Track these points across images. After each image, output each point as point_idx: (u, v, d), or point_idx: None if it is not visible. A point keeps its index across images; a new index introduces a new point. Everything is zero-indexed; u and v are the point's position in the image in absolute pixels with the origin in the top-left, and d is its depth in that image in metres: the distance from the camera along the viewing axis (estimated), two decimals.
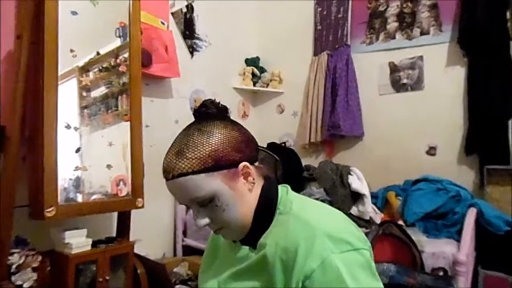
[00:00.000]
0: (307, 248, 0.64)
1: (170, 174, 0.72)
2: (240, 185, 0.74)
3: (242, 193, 0.75)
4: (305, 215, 0.73)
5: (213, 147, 0.71)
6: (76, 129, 1.92)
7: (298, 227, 0.70)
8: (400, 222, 2.30)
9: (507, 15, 2.53)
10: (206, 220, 0.74)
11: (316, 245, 0.64)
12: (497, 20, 2.54)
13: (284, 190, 0.81)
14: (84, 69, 2.07)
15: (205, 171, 0.70)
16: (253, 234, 0.76)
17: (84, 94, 2.08)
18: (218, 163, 0.71)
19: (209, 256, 0.93)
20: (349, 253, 0.64)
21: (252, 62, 3.68)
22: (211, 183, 0.71)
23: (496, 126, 2.54)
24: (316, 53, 3.44)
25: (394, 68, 3.07)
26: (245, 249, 0.78)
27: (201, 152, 0.70)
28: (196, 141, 0.71)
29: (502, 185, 2.52)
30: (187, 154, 0.71)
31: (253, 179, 0.76)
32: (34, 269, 1.74)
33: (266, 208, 0.77)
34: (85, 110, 2.06)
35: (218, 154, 0.71)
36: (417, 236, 2.06)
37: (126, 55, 2.16)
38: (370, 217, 2.35)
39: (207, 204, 0.72)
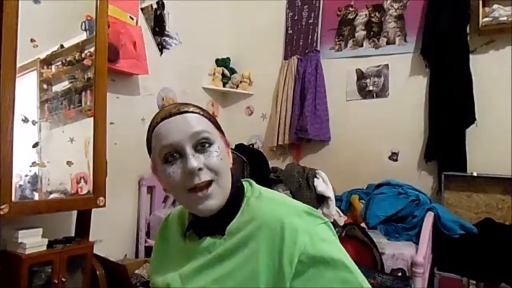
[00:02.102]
0: (293, 225, 0.66)
1: (179, 109, 0.73)
2: (228, 155, 0.78)
3: (229, 163, 0.77)
4: (278, 197, 0.76)
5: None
6: (34, 123, 1.83)
7: (276, 207, 0.71)
8: (363, 225, 2.36)
9: (467, 29, 2.66)
10: (200, 164, 0.69)
11: (299, 221, 0.67)
12: (458, 33, 2.66)
13: (247, 183, 0.82)
14: (46, 62, 1.99)
15: (211, 121, 0.76)
16: (221, 218, 0.73)
17: (45, 87, 1.99)
18: (218, 125, 0.79)
19: (159, 256, 0.88)
20: (324, 225, 0.70)
21: (223, 62, 3.66)
22: (214, 131, 0.75)
23: (454, 134, 2.66)
24: (286, 56, 3.48)
25: (361, 75, 3.16)
26: (208, 239, 0.74)
27: (207, 111, 0.78)
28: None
29: (459, 191, 2.65)
30: (197, 106, 0.77)
31: (231, 162, 0.79)
32: None
33: (237, 192, 0.76)
34: (46, 104, 1.97)
35: (217, 121, 0.79)
36: (378, 238, 2.13)
37: (92, 49, 2.08)
38: (334, 220, 2.39)
39: (205, 148, 0.71)
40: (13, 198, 1.63)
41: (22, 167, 1.74)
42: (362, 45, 3.18)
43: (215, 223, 0.74)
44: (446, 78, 2.71)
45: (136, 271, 2.44)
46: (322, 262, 0.63)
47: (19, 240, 1.71)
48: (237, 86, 3.66)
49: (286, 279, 0.62)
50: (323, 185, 2.48)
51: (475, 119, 2.63)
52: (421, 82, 2.90)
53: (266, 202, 0.74)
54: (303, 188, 2.50)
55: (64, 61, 2.05)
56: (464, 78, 2.66)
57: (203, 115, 0.74)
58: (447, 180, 2.65)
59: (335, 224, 2.36)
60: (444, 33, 2.70)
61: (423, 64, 2.88)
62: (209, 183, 0.70)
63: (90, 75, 2.09)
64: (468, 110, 2.64)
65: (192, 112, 0.73)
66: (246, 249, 0.68)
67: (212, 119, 0.77)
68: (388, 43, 3.06)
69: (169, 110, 0.73)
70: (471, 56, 2.67)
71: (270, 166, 2.92)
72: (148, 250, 2.77)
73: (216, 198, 0.71)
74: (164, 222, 0.92)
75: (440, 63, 2.76)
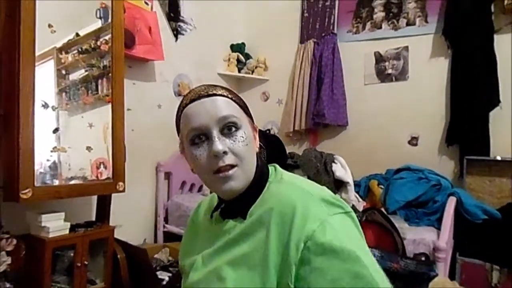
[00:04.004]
0: (304, 211, 0.65)
1: (208, 91, 0.73)
2: (254, 140, 0.78)
3: (254, 147, 0.77)
4: (298, 182, 0.74)
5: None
6: (54, 108, 1.84)
7: (293, 192, 0.70)
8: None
9: (492, 7, 2.56)
10: (225, 147, 0.70)
11: (313, 207, 0.65)
12: (482, 12, 2.56)
13: (273, 168, 0.82)
14: (63, 50, 1.99)
15: (240, 105, 0.76)
16: (243, 202, 0.74)
17: (63, 75, 2.00)
18: (247, 108, 0.78)
19: (189, 239, 0.90)
20: (342, 215, 0.67)
21: (238, 48, 3.62)
22: (242, 116, 0.75)
23: (477, 117, 2.58)
24: (302, 40, 3.41)
25: (379, 58, 3.08)
26: (230, 222, 0.76)
27: (237, 94, 0.78)
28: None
29: (481, 175, 2.58)
30: (226, 89, 0.76)
31: (257, 146, 0.79)
32: (8, 253, 1.68)
33: (261, 177, 0.76)
34: (63, 92, 1.98)
35: (246, 104, 0.79)
36: (398, 223, 2.09)
37: (107, 37, 2.09)
38: (353, 205, 2.36)
39: (232, 132, 0.72)
40: (35, 183, 1.65)
41: (43, 153, 1.76)
42: (380, 27, 3.09)
43: (237, 206, 0.75)
44: (470, 59, 2.61)
45: (155, 256, 2.48)
46: (332, 251, 0.60)
47: (43, 224, 1.74)
48: (253, 72, 3.62)
49: (292, 264, 0.61)
50: (341, 170, 2.45)
51: (499, 102, 2.54)
52: (443, 64, 2.81)
53: (285, 186, 0.74)
54: (321, 174, 2.47)
55: (80, 49, 2.06)
56: (488, 59, 2.56)
57: (231, 98, 0.74)
58: (469, 165, 2.58)
59: (354, 209, 2.33)
60: (468, 12, 2.59)
61: (445, 45, 2.78)
62: (232, 166, 0.70)
63: (106, 62, 2.09)
64: (492, 92, 2.54)
65: (220, 95, 0.73)
66: (260, 233, 0.68)
67: (240, 102, 0.77)
68: (408, 24, 2.96)
69: (198, 92, 0.74)
70: (495, 36, 2.56)
71: (287, 151, 2.89)
72: (167, 235, 2.80)
73: (238, 180, 0.71)
74: (195, 209, 0.94)
75: (463, 44, 2.66)
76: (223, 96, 0.73)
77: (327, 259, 0.59)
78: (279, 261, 0.63)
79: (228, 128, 0.71)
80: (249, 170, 0.73)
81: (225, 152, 0.69)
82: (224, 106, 0.72)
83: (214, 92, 0.73)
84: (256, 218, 0.71)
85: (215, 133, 0.70)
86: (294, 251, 0.61)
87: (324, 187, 0.74)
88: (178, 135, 0.79)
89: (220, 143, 0.69)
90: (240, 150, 0.71)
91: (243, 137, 0.72)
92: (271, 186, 0.75)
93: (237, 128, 0.72)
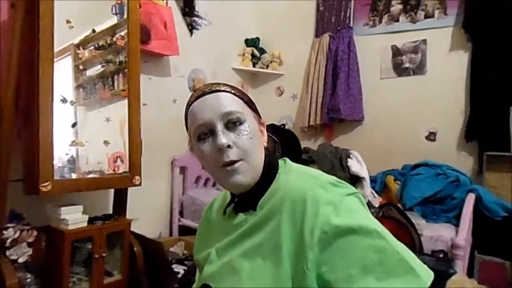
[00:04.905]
0: (315, 196, 0.66)
1: (211, 88, 0.75)
2: (261, 134, 0.79)
3: (261, 141, 0.78)
4: (306, 171, 0.77)
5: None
6: (72, 103, 1.87)
7: (301, 180, 0.72)
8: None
9: None
10: (230, 141, 0.71)
11: (323, 192, 0.66)
12: (504, 3, 2.48)
13: (282, 161, 0.83)
14: (80, 46, 2.01)
15: (244, 100, 0.77)
16: (254, 195, 0.75)
17: (80, 71, 2.02)
18: (252, 103, 0.80)
19: (203, 234, 0.91)
20: (352, 196, 0.68)
21: (252, 42, 3.61)
22: (246, 111, 0.76)
23: (497, 112, 2.51)
24: (317, 34, 3.38)
25: (396, 52, 3.03)
26: (241, 215, 0.77)
27: (240, 90, 0.80)
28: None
29: (501, 172, 2.51)
30: (229, 85, 0.78)
31: (266, 141, 0.80)
32: (29, 244, 1.73)
33: (269, 170, 0.77)
34: (81, 88, 2.01)
35: (251, 99, 0.81)
36: (415, 219, 2.05)
37: (123, 33, 2.10)
38: (369, 201, 2.34)
39: (236, 126, 0.73)
40: (55, 176, 1.68)
41: (62, 146, 1.79)
42: (398, 20, 3.03)
43: (248, 200, 0.76)
44: (490, 52, 2.54)
45: (171, 249, 2.51)
46: (350, 231, 0.61)
47: (62, 216, 1.77)
48: (267, 66, 3.61)
49: (307, 251, 0.62)
50: (357, 166, 2.43)
51: None
52: (462, 58, 2.74)
53: (293, 175, 0.75)
54: (336, 169, 2.45)
55: (96, 45, 2.07)
56: (509, 53, 2.49)
57: (234, 93, 0.76)
58: (489, 161, 2.52)
59: (369, 205, 2.31)
60: (488, 4, 2.52)
61: (465, 38, 2.72)
62: (237, 161, 0.72)
63: (122, 58, 2.11)
64: None
65: (223, 91, 0.75)
66: (272, 222, 0.69)
67: (245, 97, 0.78)
68: (426, 16, 2.90)
69: (203, 90, 0.76)
70: None
71: (302, 147, 2.88)
72: (182, 229, 2.83)
73: (245, 174, 0.72)
74: (209, 205, 0.95)
75: (483, 37, 2.59)
76: (226, 91, 0.75)
77: (347, 239, 0.61)
78: (293, 249, 0.64)
79: (233, 122, 0.73)
80: (255, 163, 0.74)
81: (229, 146, 0.71)
82: (227, 102, 0.74)
83: (217, 88, 0.75)
84: (267, 209, 0.72)
85: (220, 127, 0.72)
86: (309, 237, 0.62)
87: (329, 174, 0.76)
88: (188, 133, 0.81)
89: (224, 137, 0.71)
90: (245, 143, 0.72)
91: (247, 130, 0.73)
92: (280, 177, 0.77)
93: (241, 123, 0.73)
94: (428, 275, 0.61)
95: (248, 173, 0.72)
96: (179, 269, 2.26)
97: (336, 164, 2.47)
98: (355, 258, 0.59)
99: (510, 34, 2.49)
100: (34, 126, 1.64)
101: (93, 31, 2.07)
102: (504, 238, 2.12)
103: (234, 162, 0.71)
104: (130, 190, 2.14)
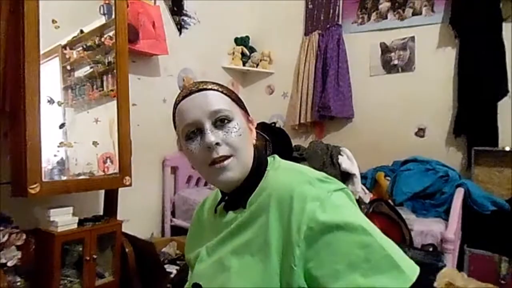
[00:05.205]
0: (302, 192, 0.65)
1: (198, 87, 0.75)
2: (250, 131, 0.79)
3: (250, 138, 0.78)
4: (294, 167, 0.77)
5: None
6: (60, 104, 1.85)
7: (289, 176, 0.72)
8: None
9: None
10: (218, 139, 0.71)
11: (310, 188, 0.66)
12: (490, 0, 2.52)
13: (272, 158, 0.83)
14: (67, 47, 1.99)
15: (231, 98, 0.77)
16: (243, 193, 0.75)
17: (68, 72, 2.00)
18: (240, 101, 0.79)
19: (194, 234, 0.91)
20: (339, 192, 0.68)
21: (242, 41, 3.60)
22: (234, 109, 0.76)
23: (485, 107, 2.55)
24: (307, 32, 3.39)
25: (385, 49, 3.05)
26: (231, 213, 0.77)
27: (228, 88, 0.79)
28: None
29: (489, 166, 2.55)
30: (217, 84, 0.77)
31: (254, 138, 0.79)
32: (19, 248, 1.70)
33: (259, 167, 0.77)
34: (69, 89, 1.99)
35: (239, 97, 0.80)
36: (406, 215, 2.08)
37: (111, 33, 2.08)
38: (360, 197, 2.35)
39: (224, 124, 0.73)
40: (43, 178, 1.66)
41: (50, 148, 1.77)
42: (386, 17, 3.05)
43: (237, 198, 0.76)
44: (477, 48, 2.58)
45: (163, 249, 2.50)
46: (336, 227, 0.61)
47: (51, 218, 1.75)
48: (257, 65, 3.61)
49: (294, 247, 0.62)
50: (347, 162, 2.43)
51: (507, 91, 2.51)
52: (450, 54, 2.77)
53: (281, 172, 0.75)
54: (327, 166, 2.46)
55: (84, 46, 2.06)
56: (496, 48, 2.53)
57: (222, 92, 0.76)
58: (477, 156, 2.55)
59: (360, 201, 2.32)
60: (475, 0, 2.55)
61: (452, 35, 2.75)
62: (227, 157, 0.72)
63: (111, 59, 2.09)
64: (500, 82, 2.51)
65: (211, 89, 0.75)
66: (260, 219, 0.69)
67: (232, 95, 0.78)
68: (414, 14, 2.93)
69: (190, 88, 0.76)
70: (504, 24, 2.53)
71: (293, 144, 2.88)
72: (174, 229, 2.82)
73: (234, 171, 0.72)
74: (200, 205, 0.95)
75: (470, 33, 2.62)
76: (214, 90, 0.75)
77: (333, 235, 0.61)
78: (281, 245, 0.64)
79: (221, 120, 0.73)
80: (245, 160, 0.74)
81: (217, 144, 0.71)
82: (215, 100, 0.73)
83: (205, 87, 0.75)
84: (255, 206, 0.72)
85: (208, 126, 0.72)
86: (296, 234, 0.62)
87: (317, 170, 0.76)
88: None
89: (212, 135, 0.71)
90: (234, 140, 0.72)
91: (235, 128, 0.73)
92: (269, 174, 0.77)
93: (230, 120, 0.73)
94: (413, 271, 0.61)
95: (237, 169, 0.72)
96: (172, 269, 2.25)
97: (327, 161, 2.47)
98: (341, 254, 0.60)
99: (497, 30, 2.53)
100: (21, 127, 1.62)
101: (81, 31, 2.05)
102: (493, 232, 2.15)
103: (223, 158, 0.71)
104: (121, 190, 2.13)
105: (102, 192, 2.19)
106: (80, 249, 1.87)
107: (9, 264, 1.65)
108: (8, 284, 1.57)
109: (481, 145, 2.54)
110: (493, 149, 2.52)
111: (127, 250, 2.05)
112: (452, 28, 2.72)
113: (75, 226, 1.83)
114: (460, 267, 2.08)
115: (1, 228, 1.69)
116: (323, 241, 0.61)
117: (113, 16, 2.08)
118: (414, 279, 0.59)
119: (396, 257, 0.60)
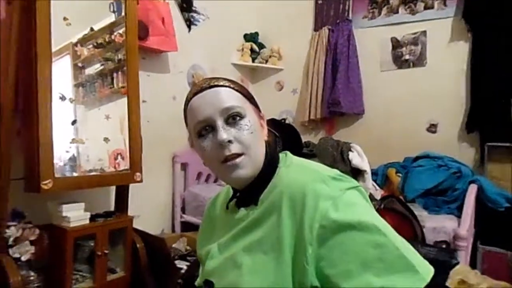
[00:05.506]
0: (315, 191, 0.65)
1: (209, 83, 0.74)
2: (261, 128, 0.78)
3: (262, 135, 0.77)
4: (306, 164, 0.76)
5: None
6: (71, 100, 1.87)
7: (301, 174, 0.71)
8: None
9: None
10: (230, 136, 0.71)
11: (323, 186, 0.66)
12: None
13: (283, 154, 0.82)
14: (78, 45, 2.00)
15: (243, 94, 0.76)
16: (255, 189, 0.75)
17: (79, 70, 2.02)
18: (252, 97, 0.79)
19: (206, 230, 0.91)
20: (353, 190, 0.67)
21: (251, 37, 3.59)
22: (246, 105, 0.75)
23: (498, 102, 2.50)
24: (316, 28, 3.36)
25: (396, 44, 3.01)
26: (243, 210, 0.77)
27: (239, 84, 0.79)
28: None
29: (503, 162, 2.50)
30: (228, 80, 0.77)
31: (266, 134, 0.79)
32: (32, 243, 1.72)
33: (270, 164, 0.77)
34: (81, 85, 2.00)
35: (250, 93, 0.80)
36: (417, 211, 2.05)
37: (121, 30, 2.10)
38: (371, 194, 2.33)
39: (236, 121, 0.72)
40: (55, 174, 1.68)
41: (62, 144, 1.79)
42: (397, 12, 3.01)
43: (249, 194, 0.76)
44: (491, 42, 2.53)
45: (173, 245, 2.51)
46: (349, 226, 0.60)
47: (63, 214, 1.77)
48: (267, 61, 3.59)
49: (307, 245, 0.61)
50: (358, 159, 2.41)
51: None
52: (463, 48, 2.73)
53: (293, 169, 0.75)
54: (337, 162, 2.44)
55: (95, 43, 2.07)
56: (510, 42, 2.47)
57: (233, 88, 0.75)
58: (490, 151, 2.51)
59: (371, 198, 2.30)
60: None
61: (465, 29, 2.70)
62: (239, 155, 0.71)
63: (121, 56, 2.10)
64: None
65: (222, 86, 0.74)
66: (272, 217, 0.69)
67: (244, 92, 0.77)
68: (426, 8, 2.88)
69: (201, 85, 0.75)
70: None
71: (303, 141, 2.87)
72: (184, 225, 2.83)
73: (246, 168, 0.72)
74: (211, 201, 0.95)
75: (484, 27, 2.57)
76: (225, 86, 0.74)
77: (346, 234, 0.60)
78: (293, 244, 0.64)
79: (233, 117, 0.72)
80: (256, 157, 0.73)
81: (230, 141, 0.70)
82: (226, 97, 0.73)
83: (216, 83, 0.74)
84: (267, 204, 0.72)
85: (220, 123, 0.71)
86: (308, 232, 0.62)
87: (330, 168, 0.75)
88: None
89: (224, 132, 0.70)
90: (246, 138, 0.71)
91: (247, 125, 0.72)
92: (280, 171, 0.76)
93: (242, 117, 0.73)
94: (427, 271, 0.59)
95: (249, 167, 0.72)
96: (182, 265, 2.27)
97: (337, 158, 2.45)
98: (354, 253, 0.59)
99: (510, 22, 2.48)
100: (33, 124, 1.64)
101: (91, 29, 2.06)
102: (507, 229, 2.12)
103: (235, 156, 0.70)
104: (132, 187, 2.14)
105: (113, 188, 2.21)
106: (92, 244, 1.89)
107: (22, 258, 1.67)
108: (21, 278, 1.59)
109: (494, 141, 2.49)
110: (506, 145, 2.47)
111: (138, 245, 2.07)
112: (465, 22, 2.67)
113: (87, 221, 1.85)
114: (473, 264, 2.06)
115: (15, 223, 1.72)
116: (335, 240, 0.60)
117: (123, 14, 2.09)
118: (428, 279, 0.58)
119: (410, 257, 0.59)
